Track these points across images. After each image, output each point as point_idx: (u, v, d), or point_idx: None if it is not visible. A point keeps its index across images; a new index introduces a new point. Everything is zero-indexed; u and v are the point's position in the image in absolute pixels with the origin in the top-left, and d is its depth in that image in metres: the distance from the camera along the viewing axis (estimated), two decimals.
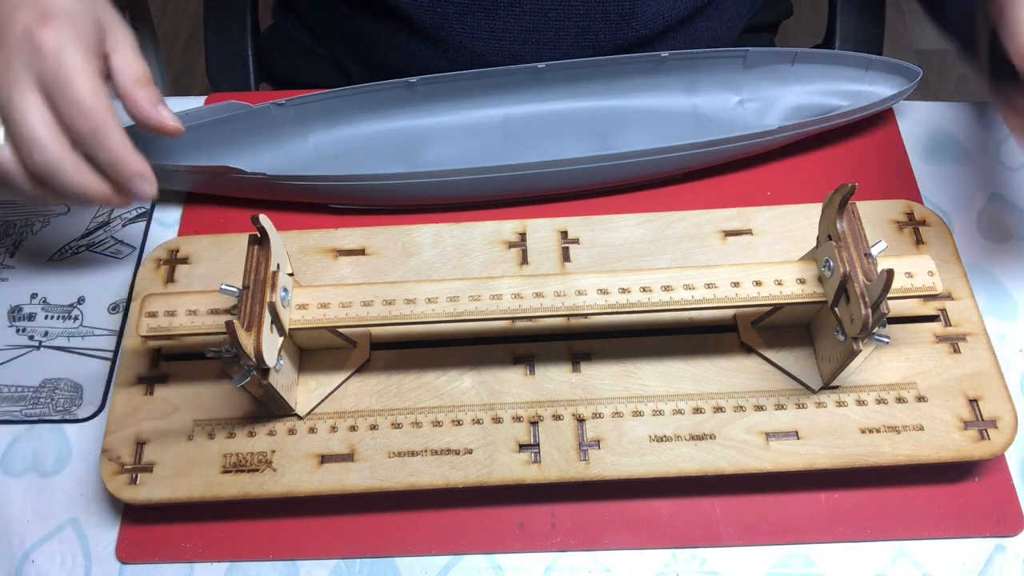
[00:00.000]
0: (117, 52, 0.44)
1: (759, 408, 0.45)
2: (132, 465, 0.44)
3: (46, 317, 0.53)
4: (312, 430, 0.45)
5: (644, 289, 0.42)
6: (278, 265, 0.41)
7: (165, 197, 0.58)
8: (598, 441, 0.44)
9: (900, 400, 0.45)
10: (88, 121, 0.41)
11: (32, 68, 0.41)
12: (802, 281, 0.42)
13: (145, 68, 0.46)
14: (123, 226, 0.57)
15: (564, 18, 0.59)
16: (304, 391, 0.46)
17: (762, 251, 0.50)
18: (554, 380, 0.46)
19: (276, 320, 0.40)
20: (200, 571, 0.45)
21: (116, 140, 0.42)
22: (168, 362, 0.47)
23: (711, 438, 0.44)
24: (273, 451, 0.44)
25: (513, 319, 0.47)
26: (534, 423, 0.45)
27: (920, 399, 0.45)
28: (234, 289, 0.40)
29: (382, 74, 0.67)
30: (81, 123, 0.41)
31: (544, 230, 0.51)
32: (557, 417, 0.45)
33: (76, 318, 0.53)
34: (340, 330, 0.46)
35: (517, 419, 0.45)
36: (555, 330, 0.48)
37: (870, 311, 0.39)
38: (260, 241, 0.41)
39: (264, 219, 0.40)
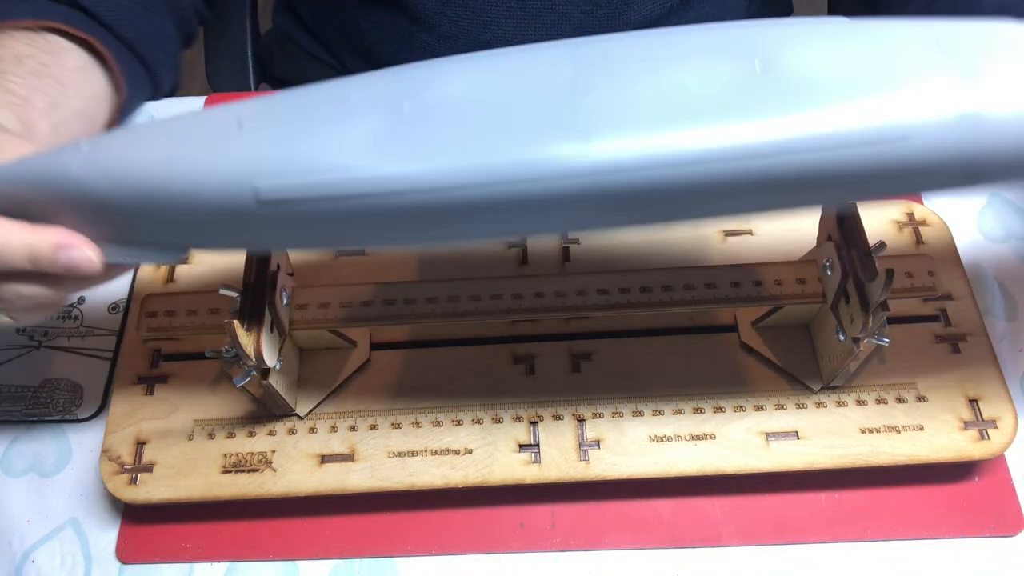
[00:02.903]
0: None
1: (759, 408, 0.45)
2: (132, 465, 0.44)
3: (46, 317, 0.53)
4: (312, 430, 0.45)
5: (644, 289, 0.42)
6: (278, 265, 0.41)
7: None
8: (598, 441, 0.44)
9: (900, 400, 0.45)
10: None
11: None
12: (802, 281, 0.42)
13: None
14: None
15: (566, 2, 0.59)
16: (304, 391, 0.46)
17: (762, 251, 0.50)
18: (554, 380, 0.46)
19: (276, 320, 0.40)
20: (200, 571, 0.45)
21: (15, 237, 0.33)
22: (168, 362, 0.47)
23: (711, 438, 0.44)
24: (273, 451, 0.44)
25: (513, 319, 0.47)
26: (534, 423, 0.45)
27: (920, 399, 0.45)
28: (234, 291, 0.40)
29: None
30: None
31: None
32: (557, 417, 0.45)
33: (76, 318, 0.53)
34: (340, 330, 0.46)
35: (517, 419, 0.45)
36: (555, 330, 0.48)
37: (870, 311, 0.39)
38: None
39: None
